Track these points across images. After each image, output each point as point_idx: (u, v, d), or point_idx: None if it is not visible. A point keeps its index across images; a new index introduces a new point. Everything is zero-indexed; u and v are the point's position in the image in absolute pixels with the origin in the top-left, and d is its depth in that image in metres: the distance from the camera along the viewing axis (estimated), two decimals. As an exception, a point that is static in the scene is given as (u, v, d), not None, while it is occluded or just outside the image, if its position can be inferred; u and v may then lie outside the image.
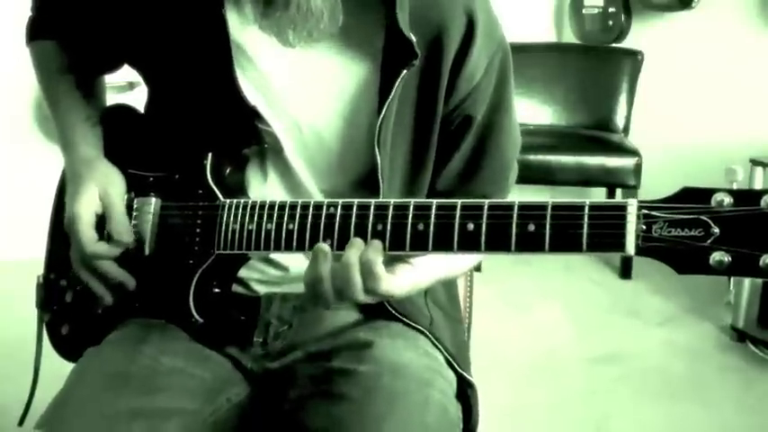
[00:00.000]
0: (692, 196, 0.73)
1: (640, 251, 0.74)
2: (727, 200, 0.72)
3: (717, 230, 0.71)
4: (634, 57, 3.52)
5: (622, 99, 3.54)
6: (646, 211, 0.74)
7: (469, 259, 1.09)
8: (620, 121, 3.54)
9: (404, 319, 1.05)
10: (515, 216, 0.78)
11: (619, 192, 3.59)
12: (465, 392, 1.08)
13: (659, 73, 3.53)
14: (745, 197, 0.71)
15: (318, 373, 1.00)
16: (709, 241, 0.72)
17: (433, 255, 0.85)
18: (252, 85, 1.00)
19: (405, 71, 0.93)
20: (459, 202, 0.82)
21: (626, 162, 3.23)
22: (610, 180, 3.33)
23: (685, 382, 2.44)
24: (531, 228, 0.78)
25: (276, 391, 1.04)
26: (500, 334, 2.64)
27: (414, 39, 0.93)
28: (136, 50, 1.09)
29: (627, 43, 3.65)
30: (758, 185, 2.79)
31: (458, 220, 0.81)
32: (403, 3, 0.94)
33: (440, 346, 1.06)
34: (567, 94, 3.62)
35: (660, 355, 2.62)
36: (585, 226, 0.76)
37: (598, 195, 3.91)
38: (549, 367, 2.53)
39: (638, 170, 3.22)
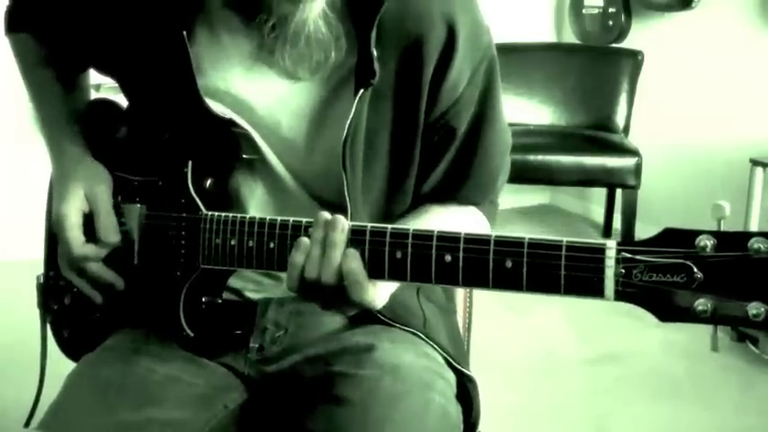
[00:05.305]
0: (675, 238, 0.69)
1: (620, 296, 0.71)
2: (711, 243, 0.68)
3: (700, 276, 0.68)
4: (634, 57, 3.52)
5: (622, 99, 3.54)
6: (625, 255, 0.70)
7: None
8: (620, 121, 3.54)
9: (395, 324, 1.04)
10: (491, 251, 0.77)
11: (619, 192, 3.59)
12: (465, 388, 1.07)
13: (659, 73, 3.53)
14: (731, 241, 0.67)
15: (318, 377, 0.99)
16: (692, 287, 0.68)
17: None
18: (224, 106, 0.98)
19: (362, 90, 0.91)
20: (436, 231, 0.80)
21: (626, 162, 3.24)
22: (610, 180, 3.34)
23: (685, 382, 2.45)
24: (509, 264, 0.76)
25: (274, 396, 1.03)
26: (500, 335, 2.64)
27: (375, 54, 0.91)
28: (106, 59, 1.08)
29: (627, 43, 3.66)
30: (758, 185, 2.78)
31: (434, 251, 0.80)
32: (383, 16, 0.91)
33: (437, 348, 1.05)
34: (567, 94, 3.62)
35: (660, 356, 2.62)
36: (563, 268, 0.73)
37: (598, 195, 3.92)
38: (549, 368, 2.53)
39: (638, 170, 3.23)
